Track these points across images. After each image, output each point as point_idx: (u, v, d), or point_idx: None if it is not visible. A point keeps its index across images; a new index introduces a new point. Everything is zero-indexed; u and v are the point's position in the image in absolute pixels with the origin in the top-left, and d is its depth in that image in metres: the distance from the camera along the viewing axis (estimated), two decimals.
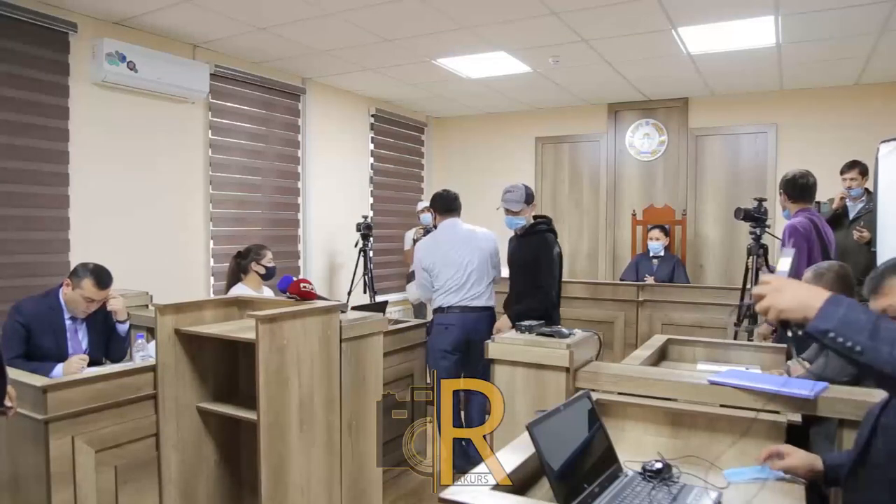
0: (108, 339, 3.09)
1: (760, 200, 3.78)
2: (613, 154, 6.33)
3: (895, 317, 1.39)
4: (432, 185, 7.11)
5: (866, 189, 4.43)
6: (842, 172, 4.45)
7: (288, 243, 5.30)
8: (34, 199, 3.53)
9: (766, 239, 3.93)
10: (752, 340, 3.57)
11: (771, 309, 1.21)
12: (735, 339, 3.67)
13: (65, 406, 2.22)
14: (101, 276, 2.91)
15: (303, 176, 5.38)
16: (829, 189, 4.61)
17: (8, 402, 2.10)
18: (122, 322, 3.07)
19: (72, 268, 3.03)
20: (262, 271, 3.68)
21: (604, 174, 6.36)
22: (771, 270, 3.90)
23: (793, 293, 1.20)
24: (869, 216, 4.32)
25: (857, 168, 4.37)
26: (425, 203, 5.99)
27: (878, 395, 1.75)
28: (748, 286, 3.89)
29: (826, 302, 1.15)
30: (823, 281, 2.59)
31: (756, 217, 3.78)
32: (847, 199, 4.47)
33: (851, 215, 4.44)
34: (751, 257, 3.82)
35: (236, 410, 2.56)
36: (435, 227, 5.75)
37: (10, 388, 2.10)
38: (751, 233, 3.84)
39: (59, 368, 2.75)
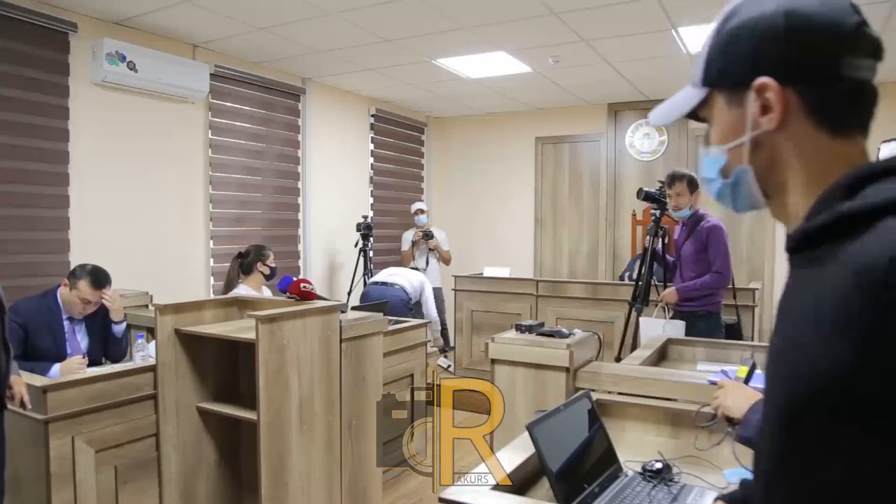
0: (105, 340, 3.09)
1: (664, 183, 3.78)
2: (613, 154, 6.33)
3: None
4: (432, 186, 7.12)
5: None
6: None
7: (288, 243, 5.30)
8: (34, 199, 3.53)
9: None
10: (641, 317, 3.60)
11: (719, 407, 1.41)
12: (638, 317, 3.65)
13: (65, 406, 2.22)
14: (98, 277, 2.91)
15: (303, 176, 5.38)
16: None
17: (10, 404, 2.11)
18: (118, 323, 3.06)
19: (71, 268, 3.03)
20: (268, 272, 3.70)
21: (604, 174, 6.36)
22: (663, 255, 3.84)
23: (733, 396, 1.39)
24: None
25: None
26: (419, 205, 6.00)
27: None
28: (643, 268, 3.85)
29: (749, 410, 1.30)
30: None
31: (657, 199, 3.78)
32: None
33: None
34: (648, 237, 3.81)
35: (236, 410, 2.56)
36: (430, 232, 5.79)
37: (16, 385, 2.11)
38: (651, 215, 3.83)
39: (55, 368, 2.75)
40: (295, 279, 2.78)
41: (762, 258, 5.75)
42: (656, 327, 3.28)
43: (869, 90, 0.66)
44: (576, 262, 6.55)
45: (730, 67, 0.68)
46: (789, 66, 0.64)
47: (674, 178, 3.62)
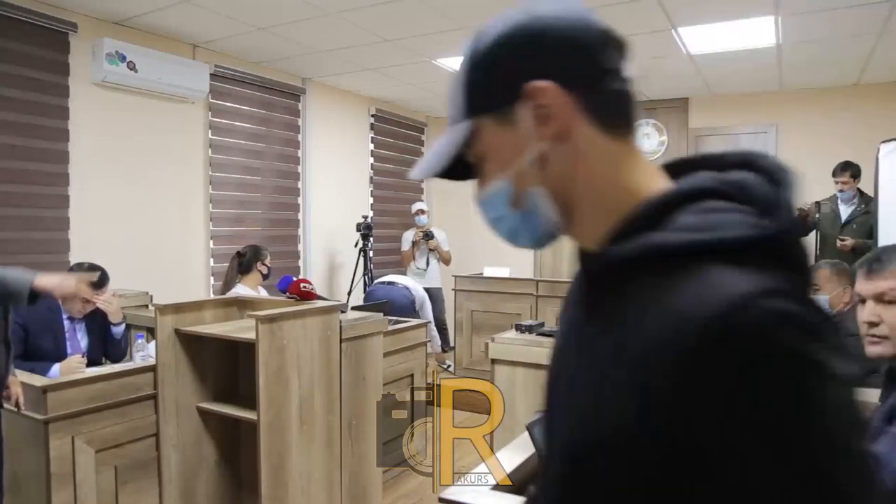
0: (105, 340, 3.09)
1: None
2: None
3: (892, 300, 1.38)
4: (432, 186, 7.11)
5: (859, 190, 4.44)
6: (834, 174, 4.47)
7: (288, 243, 5.30)
8: (34, 199, 3.53)
9: None
10: None
11: None
12: None
13: (65, 406, 2.22)
14: (97, 277, 2.91)
15: (303, 176, 5.38)
16: (828, 189, 4.62)
17: (6, 405, 2.11)
18: (117, 325, 3.06)
19: (69, 267, 3.03)
20: (265, 271, 3.71)
21: None
22: None
23: None
24: (863, 218, 4.33)
25: (850, 171, 4.39)
26: (420, 205, 6.00)
27: (874, 395, 1.75)
28: None
29: None
30: (818, 276, 2.61)
31: None
32: (839, 201, 4.49)
33: (844, 218, 4.45)
34: None
35: (236, 410, 2.56)
36: (430, 232, 5.80)
37: (13, 385, 2.11)
38: None
39: (55, 368, 2.74)
40: (295, 279, 2.78)
41: None
42: None
43: (630, 90, 0.63)
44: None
45: (494, 86, 0.62)
46: (557, 70, 0.60)
47: None
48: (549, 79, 0.59)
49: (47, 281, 2.02)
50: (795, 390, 0.47)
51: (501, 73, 0.61)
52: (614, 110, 0.62)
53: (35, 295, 2.00)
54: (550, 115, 0.59)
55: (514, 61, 0.61)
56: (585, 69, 0.60)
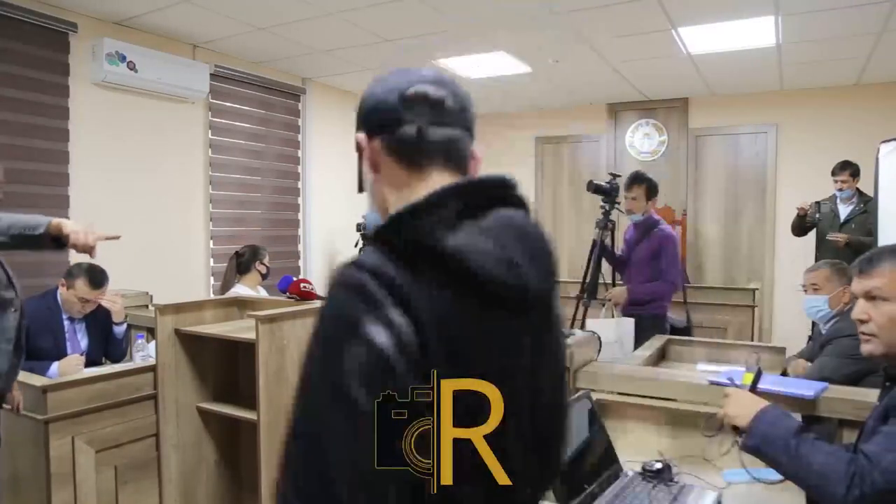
0: (106, 340, 3.09)
1: (615, 175, 3.75)
2: (613, 154, 6.33)
3: (878, 297, 1.41)
4: None
5: (858, 190, 4.44)
6: (833, 173, 4.47)
7: (288, 243, 5.30)
8: (34, 199, 3.52)
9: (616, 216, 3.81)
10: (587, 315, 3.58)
11: (724, 416, 1.42)
12: (586, 311, 3.62)
13: (65, 406, 2.22)
14: (95, 276, 2.92)
15: (303, 176, 5.38)
16: (828, 189, 4.62)
17: (7, 406, 2.11)
18: (119, 324, 3.07)
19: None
20: (265, 270, 3.71)
21: (604, 174, 6.35)
22: (611, 250, 3.77)
23: (737, 405, 1.42)
24: (862, 217, 4.33)
25: (849, 170, 4.39)
26: None
27: (874, 395, 1.75)
28: (590, 263, 3.78)
29: (753, 419, 1.35)
30: (818, 276, 2.60)
31: (607, 192, 3.72)
32: (838, 200, 4.49)
33: (843, 217, 4.45)
34: (597, 230, 3.74)
35: (236, 410, 2.56)
36: None
37: (14, 389, 2.11)
38: (601, 207, 3.76)
39: (54, 367, 2.75)
40: (295, 279, 2.78)
41: (762, 258, 5.75)
42: (608, 328, 3.10)
43: (436, 135, 0.82)
44: (575, 262, 6.53)
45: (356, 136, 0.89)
46: (367, 125, 0.85)
47: (634, 181, 3.56)
48: (364, 130, 0.86)
49: (68, 223, 2.02)
50: (323, 335, 0.69)
51: (356, 126, 0.89)
52: (408, 149, 0.83)
53: (55, 238, 2.00)
54: (366, 154, 0.85)
55: (357, 119, 0.88)
56: (386, 122, 0.83)
